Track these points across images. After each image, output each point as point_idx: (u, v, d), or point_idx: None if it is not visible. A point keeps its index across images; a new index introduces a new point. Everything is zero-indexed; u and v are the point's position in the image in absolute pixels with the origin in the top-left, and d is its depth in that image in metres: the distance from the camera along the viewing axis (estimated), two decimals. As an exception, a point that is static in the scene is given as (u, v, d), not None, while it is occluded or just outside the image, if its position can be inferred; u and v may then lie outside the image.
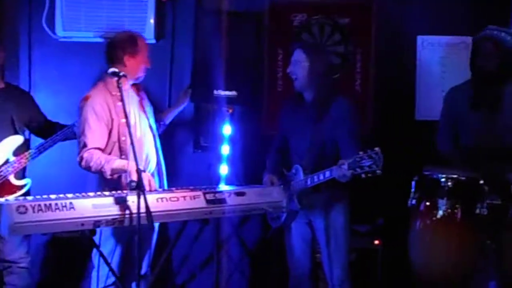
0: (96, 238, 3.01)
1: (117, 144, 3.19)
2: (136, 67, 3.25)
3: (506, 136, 3.29)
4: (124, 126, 3.07)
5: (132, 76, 3.24)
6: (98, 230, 2.90)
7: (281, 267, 3.71)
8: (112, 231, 3.16)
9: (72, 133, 3.43)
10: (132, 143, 2.85)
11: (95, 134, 3.13)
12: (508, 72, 3.31)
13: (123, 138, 3.17)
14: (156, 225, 3.38)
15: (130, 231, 2.92)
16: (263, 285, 4.24)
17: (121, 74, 3.00)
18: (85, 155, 3.11)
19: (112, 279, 3.12)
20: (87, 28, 4.07)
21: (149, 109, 3.45)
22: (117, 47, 3.24)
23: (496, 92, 3.32)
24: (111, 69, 3.03)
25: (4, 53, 3.60)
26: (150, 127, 3.39)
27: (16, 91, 3.65)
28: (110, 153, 3.19)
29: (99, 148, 3.14)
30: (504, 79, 3.32)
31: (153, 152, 3.36)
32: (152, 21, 4.04)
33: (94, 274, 3.18)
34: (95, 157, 3.09)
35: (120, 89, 2.98)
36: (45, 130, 3.63)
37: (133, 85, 3.35)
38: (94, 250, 3.13)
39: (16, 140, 3.46)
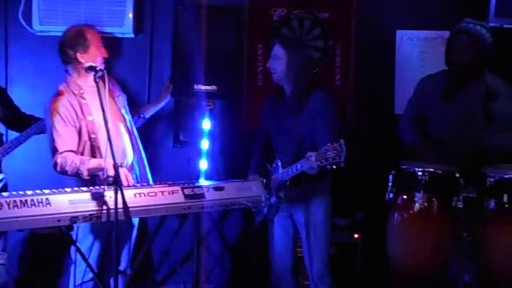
0: (73, 234, 2.99)
1: (88, 142, 3.18)
2: (91, 60, 3.15)
3: (476, 129, 3.32)
4: (93, 124, 3.10)
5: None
6: (75, 226, 2.87)
7: (262, 261, 3.72)
8: (90, 227, 3.14)
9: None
10: (109, 138, 2.82)
11: (64, 137, 3.13)
12: (481, 65, 3.33)
13: (93, 136, 3.16)
14: (136, 220, 3.36)
15: (109, 227, 2.89)
16: (244, 280, 4.24)
17: (97, 68, 2.98)
18: (59, 160, 3.11)
19: (90, 274, 3.11)
20: (65, 23, 3.98)
21: (122, 100, 3.43)
22: (66, 46, 3.21)
23: (469, 85, 3.34)
24: (87, 64, 3.01)
25: None
26: (124, 119, 3.36)
27: None
28: (82, 153, 3.18)
29: (71, 151, 3.13)
30: (478, 73, 3.34)
31: (128, 146, 3.34)
32: (130, 15, 4.00)
33: (72, 269, 3.15)
34: (69, 161, 3.09)
35: (97, 83, 2.95)
36: (20, 123, 3.58)
37: (101, 77, 3.30)
38: (73, 246, 3.09)
39: None
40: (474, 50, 3.28)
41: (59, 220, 2.69)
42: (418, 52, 4.18)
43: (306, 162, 3.02)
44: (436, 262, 3.11)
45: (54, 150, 3.13)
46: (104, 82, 3.24)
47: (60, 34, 3.99)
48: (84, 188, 2.94)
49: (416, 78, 3.88)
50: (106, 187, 2.84)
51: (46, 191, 2.80)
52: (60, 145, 3.12)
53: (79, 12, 4.00)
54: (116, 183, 2.75)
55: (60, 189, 2.87)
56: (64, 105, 3.16)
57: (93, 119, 3.13)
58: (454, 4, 4.07)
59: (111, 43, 3.68)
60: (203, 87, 3.88)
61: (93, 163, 3.08)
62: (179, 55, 3.90)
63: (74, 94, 3.19)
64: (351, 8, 4.15)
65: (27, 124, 3.52)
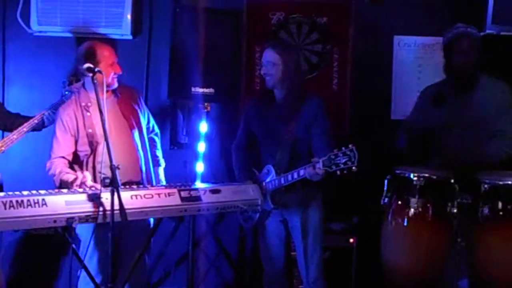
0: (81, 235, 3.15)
1: (89, 152, 3.27)
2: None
3: (477, 135, 3.33)
4: (92, 136, 3.24)
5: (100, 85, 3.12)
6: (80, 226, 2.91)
7: (256, 264, 3.72)
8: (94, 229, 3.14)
9: (38, 124, 3.37)
10: (106, 140, 2.84)
11: (60, 144, 3.27)
12: (478, 69, 3.34)
13: (93, 147, 3.26)
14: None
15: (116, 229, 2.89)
16: (238, 282, 4.25)
17: (96, 70, 2.99)
18: (48, 164, 3.27)
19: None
20: (63, 23, 4.02)
21: (143, 110, 3.48)
22: (78, 62, 3.25)
23: (469, 89, 3.35)
24: (86, 65, 3.02)
25: None
26: (141, 127, 3.42)
27: None
28: (86, 161, 3.28)
29: (63, 157, 3.26)
30: (476, 76, 3.35)
31: (140, 152, 3.38)
32: (129, 16, 4.01)
33: (80, 273, 3.15)
34: (53, 167, 3.24)
35: (95, 84, 2.98)
36: (5, 122, 3.55)
37: (113, 90, 3.36)
38: (82, 250, 3.15)
39: None
40: (476, 53, 3.30)
41: (55, 221, 2.69)
42: (415, 58, 4.21)
43: (311, 168, 3.02)
44: (430, 267, 3.11)
45: (50, 154, 3.27)
46: (117, 95, 3.37)
47: (58, 35, 4.05)
48: (81, 190, 2.96)
49: (413, 83, 3.92)
50: (102, 188, 2.84)
51: (42, 191, 2.81)
52: (55, 151, 3.27)
53: (77, 13, 4.01)
54: (113, 184, 2.75)
55: (56, 190, 2.89)
56: (68, 113, 3.28)
57: (93, 131, 3.23)
58: (451, 11, 4.10)
59: (105, 43, 3.68)
60: (201, 90, 3.89)
61: (67, 177, 3.15)
62: (177, 57, 3.90)
63: (81, 106, 3.28)
64: (349, 13, 4.17)
65: (13, 122, 3.49)
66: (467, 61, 3.30)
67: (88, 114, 3.26)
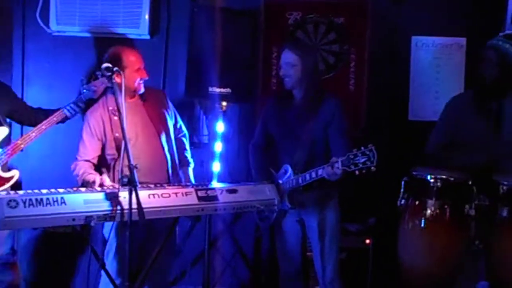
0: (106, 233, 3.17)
1: (116, 155, 3.29)
2: (127, 82, 3.21)
3: (506, 147, 3.25)
4: (119, 140, 3.20)
5: (126, 89, 3.13)
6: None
7: (272, 264, 3.72)
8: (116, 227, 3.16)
9: (57, 120, 3.40)
10: (124, 139, 2.86)
11: (86, 148, 3.32)
12: (508, 84, 3.25)
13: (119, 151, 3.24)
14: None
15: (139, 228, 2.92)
16: (254, 282, 4.25)
17: (114, 69, 3.02)
18: (73, 166, 3.31)
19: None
20: (81, 23, 4.06)
21: (171, 112, 3.51)
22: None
23: (496, 104, 3.28)
24: (105, 64, 3.04)
25: None
26: (169, 129, 3.43)
27: None
28: (113, 164, 3.32)
29: (87, 161, 3.31)
30: (504, 91, 3.27)
31: (157, 162, 3.37)
32: (147, 16, 4.03)
33: (102, 272, 3.17)
34: (77, 168, 3.29)
35: (113, 84, 3.01)
36: (29, 117, 3.59)
37: (140, 95, 3.39)
38: (106, 247, 3.19)
39: (1, 132, 3.42)
40: (500, 66, 3.21)
41: (74, 219, 2.72)
42: (434, 58, 4.17)
43: (329, 169, 3.01)
44: (446, 269, 3.09)
45: (76, 157, 3.32)
46: (143, 99, 3.40)
47: (76, 34, 4.08)
48: (99, 188, 3.00)
49: (431, 84, 3.88)
50: (120, 187, 2.86)
51: (61, 190, 2.84)
52: (81, 154, 3.32)
53: (95, 13, 4.05)
54: (131, 183, 2.76)
55: (75, 188, 2.93)
56: (95, 118, 3.32)
57: (119, 135, 3.20)
58: (470, 11, 4.06)
59: (126, 45, 3.70)
60: (218, 90, 3.90)
61: (89, 177, 3.20)
62: (194, 57, 3.92)
63: (108, 110, 3.31)
64: (366, 13, 4.15)
65: (35, 117, 3.53)
66: (487, 73, 3.22)
67: (115, 118, 3.26)
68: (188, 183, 3.42)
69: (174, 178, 3.43)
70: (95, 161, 3.34)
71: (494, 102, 3.28)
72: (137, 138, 3.28)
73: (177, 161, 3.49)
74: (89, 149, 3.31)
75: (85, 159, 3.30)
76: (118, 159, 3.27)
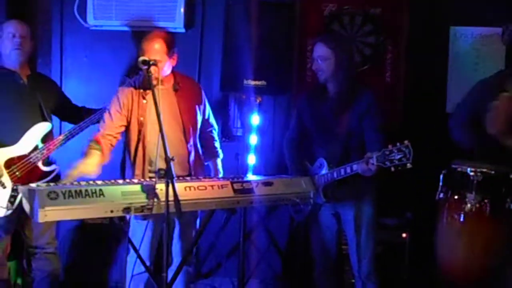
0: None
1: (136, 140, 3.28)
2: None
3: None
4: (142, 124, 3.24)
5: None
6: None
7: (306, 257, 3.71)
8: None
9: (98, 119, 3.46)
10: (161, 130, 2.87)
11: (110, 121, 3.29)
12: None
13: (141, 136, 3.26)
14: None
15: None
16: (288, 275, 4.25)
17: (151, 62, 3.03)
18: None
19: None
20: (118, 17, 4.10)
21: (202, 107, 3.48)
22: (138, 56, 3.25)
23: None
24: (141, 58, 3.06)
25: (34, 41, 3.63)
26: (184, 127, 3.37)
27: (40, 78, 3.68)
28: (135, 151, 3.29)
29: (109, 134, 3.28)
30: None
31: (179, 154, 3.31)
32: (182, 10, 4.05)
33: (129, 259, 3.22)
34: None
35: (149, 77, 3.02)
36: (73, 115, 3.68)
37: (173, 83, 3.37)
38: (131, 234, 3.17)
39: (45, 127, 3.50)
40: None
41: (112, 211, 2.75)
42: (472, 49, 4.10)
43: (364, 164, 2.99)
44: (487, 266, 3.02)
45: (99, 128, 3.32)
46: (177, 87, 3.38)
47: (113, 28, 4.13)
48: (136, 180, 3.03)
49: (470, 75, 3.80)
50: (157, 179, 2.89)
51: (99, 182, 2.88)
52: (104, 126, 3.30)
53: (132, 7, 4.09)
54: (168, 176, 2.78)
55: (113, 181, 2.96)
56: (125, 94, 3.31)
57: (143, 120, 3.24)
58: (508, 0, 3.95)
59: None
60: (253, 82, 3.90)
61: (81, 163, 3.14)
62: (229, 50, 3.92)
63: (139, 91, 3.30)
64: (403, 4, 4.09)
65: (78, 115, 3.61)
66: None
67: (144, 101, 3.27)
68: (217, 176, 3.42)
69: (197, 171, 3.41)
70: (117, 137, 3.29)
71: None
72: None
73: (201, 155, 3.47)
74: (114, 122, 3.28)
75: (107, 133, 3.26)
76: (139, 146, 3.27)
